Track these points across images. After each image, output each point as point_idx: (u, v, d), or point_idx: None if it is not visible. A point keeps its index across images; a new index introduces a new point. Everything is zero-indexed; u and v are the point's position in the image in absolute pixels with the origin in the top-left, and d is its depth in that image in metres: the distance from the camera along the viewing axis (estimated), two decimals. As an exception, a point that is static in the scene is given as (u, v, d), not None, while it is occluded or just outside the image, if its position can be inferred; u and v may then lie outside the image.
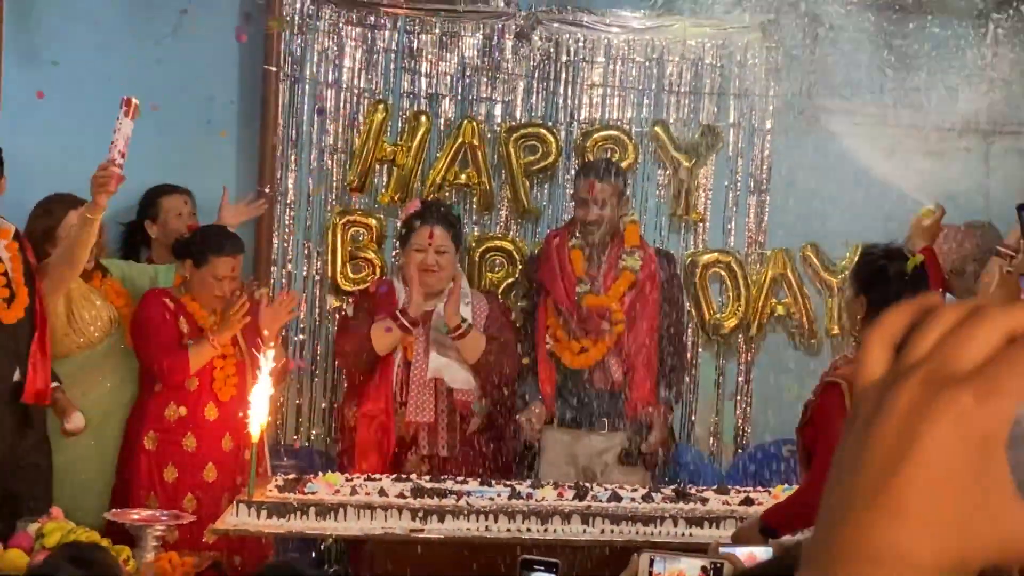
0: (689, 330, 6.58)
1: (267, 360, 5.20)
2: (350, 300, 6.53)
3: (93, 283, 5.80)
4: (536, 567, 3.97)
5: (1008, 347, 0.74)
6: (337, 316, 6.69)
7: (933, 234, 5.59)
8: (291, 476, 5.50)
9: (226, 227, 6.08)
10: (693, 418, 6.76)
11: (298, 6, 6.58)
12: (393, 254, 6.65)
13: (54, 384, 5.38)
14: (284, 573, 3.39)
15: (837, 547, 0.75)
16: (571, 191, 6.58)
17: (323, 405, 6.72)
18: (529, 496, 5.34)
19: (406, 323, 5.77)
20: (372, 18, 6.72)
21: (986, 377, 0.74)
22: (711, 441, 6.80)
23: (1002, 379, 0.73)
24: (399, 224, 6.28)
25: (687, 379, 6.63)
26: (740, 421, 6.75)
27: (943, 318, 0.77)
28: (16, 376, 5.34)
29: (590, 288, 6.03)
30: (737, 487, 5.62)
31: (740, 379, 6.83)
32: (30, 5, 6.45)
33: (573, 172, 6.71)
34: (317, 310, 6.78)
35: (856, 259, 4.64)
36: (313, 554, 5.18)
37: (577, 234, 6.08)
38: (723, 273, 6.78)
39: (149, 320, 5.70)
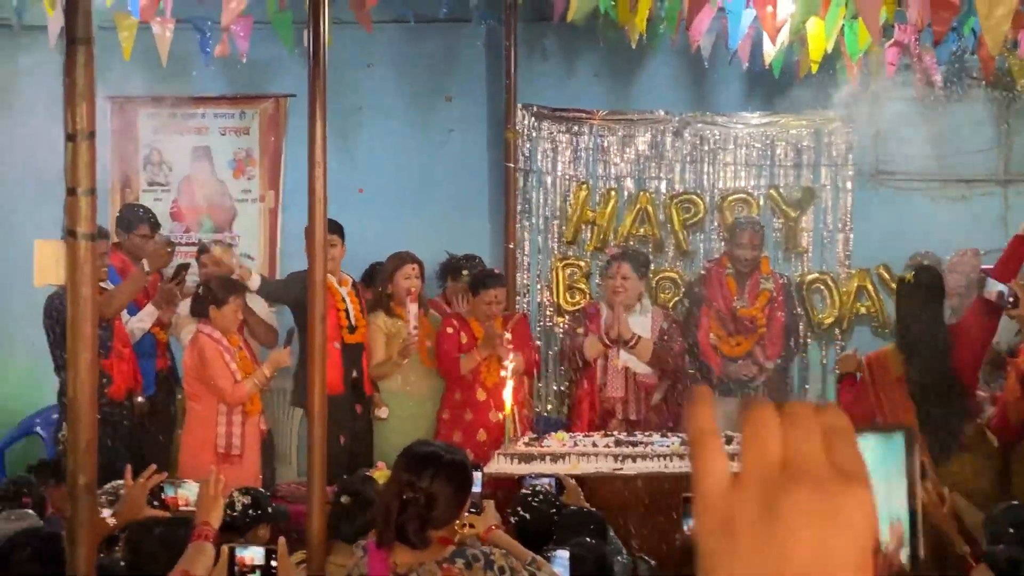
0: (801, 326, 7.56)
1: (509, 364, 6.33)
2: (571, 317, 7.58)
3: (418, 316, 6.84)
4: None
5: (835, 441, 0.73)
6: (562, 327, 7.75)
7: None
8: (533, 436, 6.52)
9: (493, 269, 7.18)
10: (806, 387, 7.79)
11: (526, 122, 7.85)
12: (596, 284, 7.75)
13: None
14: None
15: None
16: (715, 238, 7.76)
17: (553, 387, 7.92)
18: (694, 443, 6.63)
19: (607, 342, 6.89)
20: (576, 127, 7.94)
21: (849, 471, 0.72)
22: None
23: (861, 467, 0.72)
24: (604, 261, 7.32)
25: (801, 360, 7.72)
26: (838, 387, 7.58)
27: (768, 428, 0.74)
28: (354, 374, 6.79)
29: (741, 302, 7.15)
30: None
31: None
32: (353, 135, 7.81)
33: (717, 224, 7.79)
34: (549, 324, 7.97)
35: None
36: (546, 482, 5.39)
37: (730, 266, 7.20)
38: (822, 287, 7.77)
39: (439, 335, 6.90)
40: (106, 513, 3.97)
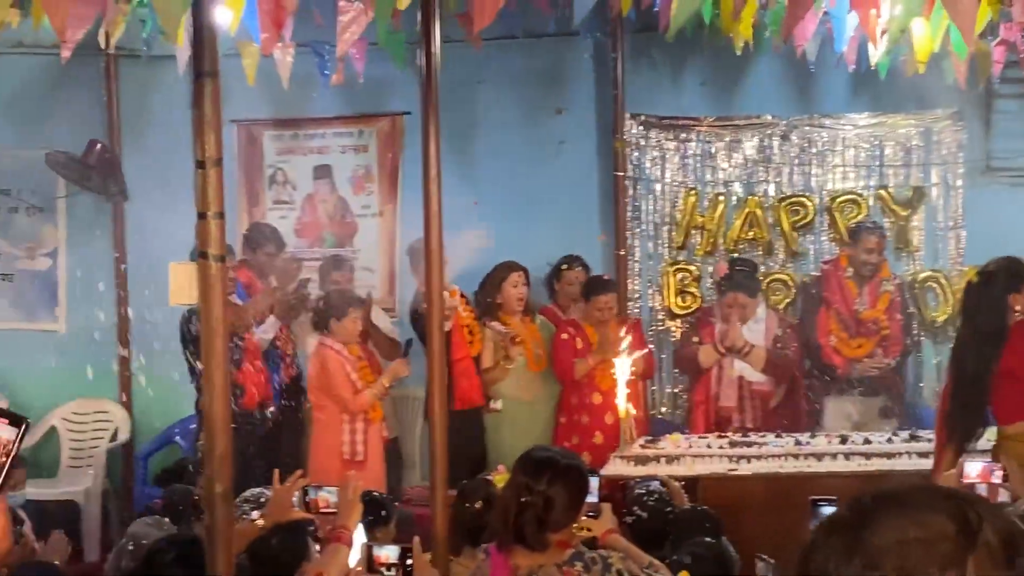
0: (915, 325, 7.53)
1: (624, 366, 6.39)
2: (686, 324, 7.73)
3: (525, 323, 7.14)
4: (821, 503, 4.26)
5: None
6: (673, 331, 7.88)
7: None
8: (648, 438, 6.63)
9: (604, 275, 7.31)
10: (921, 384, 7.72)
11: (634, 131, 7.92)
12: (707, 287, 7.83)
13: None
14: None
15: None
16: (825, 239, 7.75)
17: (667, 390, 7.99)
18: (808, 444, 6.34)
19: (722, 350, 7.02)
20: (683, 134, 7.97)
21: None
22: (934, 399, 7.39)
23: None
24: (714, 280, 7.41)
25: (916, 359, 7.64)
26: (954, 385, 7.77)
27: None
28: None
29: (862, 305, 7.16)
30: (954, 430, 6.24)
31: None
32: (468, 150, 7.88)
33: (827, 225, 7.79)
34: (661, 328, 8.02)
35: None
36: (657, 483, 5.43)
37: (849, 268, 7.20)
38: (935, 285, 7.69)
39: (555, 342, 7.08)
40: (255, 515, 4.14)
